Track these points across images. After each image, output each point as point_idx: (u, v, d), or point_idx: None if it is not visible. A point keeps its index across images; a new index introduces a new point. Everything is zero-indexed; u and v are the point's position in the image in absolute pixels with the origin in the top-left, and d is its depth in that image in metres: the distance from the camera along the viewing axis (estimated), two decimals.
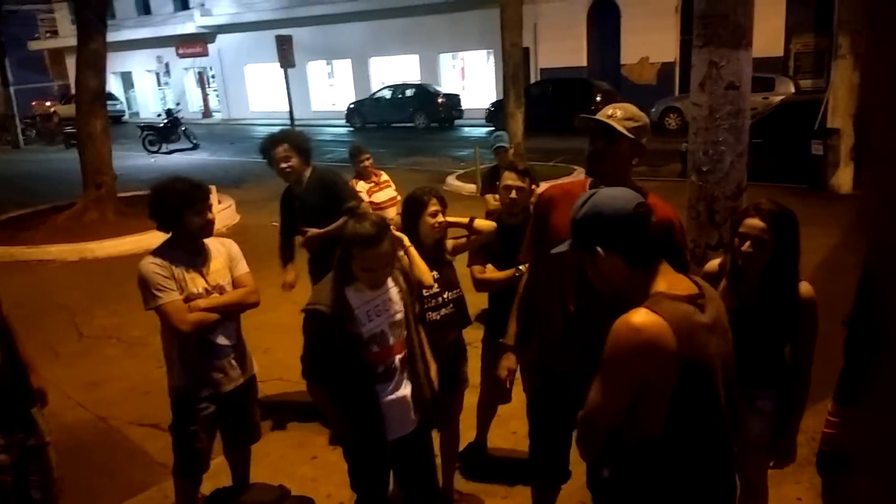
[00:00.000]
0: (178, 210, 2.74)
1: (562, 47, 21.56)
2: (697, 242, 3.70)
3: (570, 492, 2.82)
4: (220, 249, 2.93)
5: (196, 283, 2.78)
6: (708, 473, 1.67)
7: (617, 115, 2.30)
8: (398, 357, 2.48)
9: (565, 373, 2.49)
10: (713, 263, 2.62)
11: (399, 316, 2.48)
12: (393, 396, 2.47)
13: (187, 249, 2.81)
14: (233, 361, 2.92)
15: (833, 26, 9.52)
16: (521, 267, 2.97)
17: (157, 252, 2.77)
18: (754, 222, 2.33)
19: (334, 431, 2.55)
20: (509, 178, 3.28)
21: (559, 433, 2.62)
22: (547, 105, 17.64)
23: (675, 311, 1.54)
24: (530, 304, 2.64)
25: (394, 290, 2.49)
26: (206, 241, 2.88)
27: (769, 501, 2.76)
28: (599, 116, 2.31)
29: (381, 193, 5.37)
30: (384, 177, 5.53)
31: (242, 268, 2.98)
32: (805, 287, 2.40)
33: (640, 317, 1.53)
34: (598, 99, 17.90)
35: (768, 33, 15.76)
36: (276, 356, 4.16)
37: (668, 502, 1.66)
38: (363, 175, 5.35)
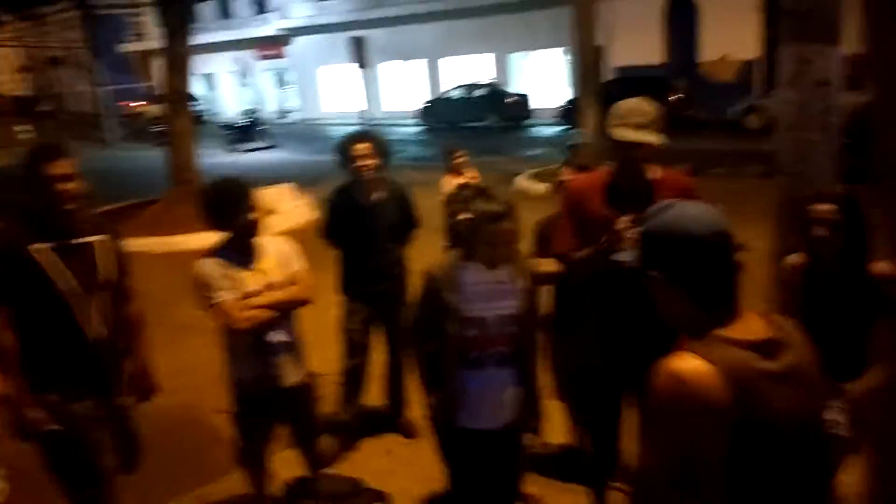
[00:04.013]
0: (223, 209, 2.79)
1: (637, 45, 21.08)
2: (785, 244, 3.58)
3: None
4: (276, 248, 2.95)
5: (250, 281, 2.80)
6: None
7: (643, 122, 2.42)
8: (498, 350, 2.48)
9: (627, 356, 2.57)
10: (794, 257, 2.58)
11: (510, 311, 2.48)
12: (481, 386, 2.48)
13: (239, 248, 2.83)
14: (289, 358, 2.95)
15: None
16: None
17: (211, 252, 2.82)
18: (824, 206, 2.40)
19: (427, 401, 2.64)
20: (567, 174, 3.35)
21: (614, 419, 2.75)
22: None
23: (729, 358, 1.30)
24: (582, 291, 2.73)
25: (511, 285, 2.50)
26: (261, 239, 2.90)
27: None
28: (632, 131, 2.41)
29: None
30: (473, 174, 5.55)
31: (298, 265, 2.97)
32: (882, 265, 2.39)
33: (686, 363, 1.30)
34: (674, 98, 17.45)
35: (861, 30, 14.97)
36: (336, 354, 4.22)
37: None
38: (456, 171, 5.37)
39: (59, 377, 2.50)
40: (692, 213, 1.40)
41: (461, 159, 5.43)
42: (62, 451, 2.54)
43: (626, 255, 1.60)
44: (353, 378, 3.87)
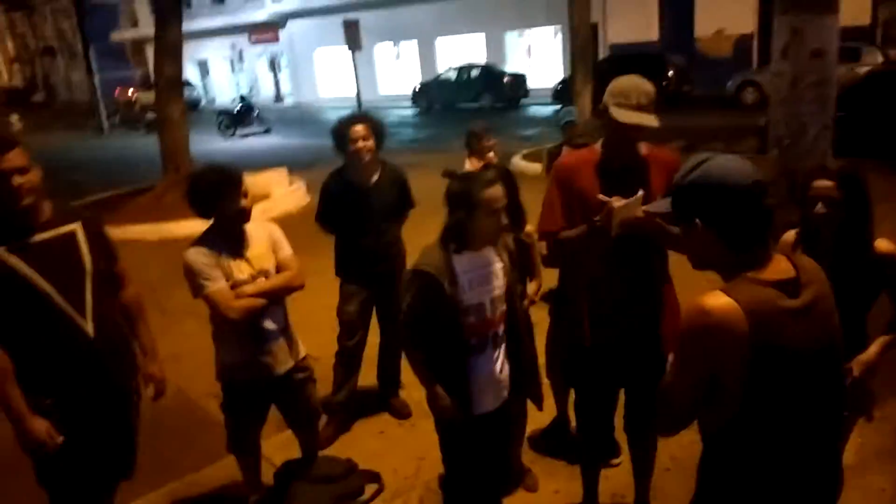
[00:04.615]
0: (212, 198, 2.72)
1: (632, 22, 20.91)
2: (780, 219, 3.55)
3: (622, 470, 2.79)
4: (263, 234, 2.91)
5: (241, 270, 2.78)
6: (792, 465, 1.58)
7: (643, 102, 2.38)
8: (494, 331, 2.49)
9: (615, 333, 2.58)
10: (790, 234, 2.55)
11: (500, 291, 2.48)
12: (485, 370, 2.48)
13: (228, 236, 2.79)
14: (282, 345, 2.93)
15: None
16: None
17: (199, 241, 2.77)
18: (823, 183, 2.33)
19: (428, 400, 2.56)
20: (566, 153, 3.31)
21: (606, 398, 2.75)
22: None
23: (753, 296, 1.47)
24: (571, 270, 2.72)
25: (497, 265, 2.49)
26: (248, 226, 2.85)
27: (851, 490, 2.65)
28: (633, 112, 2.37)
29: None
30: (495, 157, 5.41)
31: (286, 251, 2.94)
32: (884, 243, 2.35)
33: (713, 299, 1.47)
34: (671, 74, 17.31)
35: (854, 1, 14.85)
36: (329, 337, 4.23)
37: (749, 491, 1.59)
38: (481, 156, 5.08)
39: (56, 383, 2.36)
40: (732, 165, 1.52)
41: (490, 142, 5.26)
42: (58, 462, 2.40)
43: (657, 206, 1.68)
44: (349, 360, 3.86)
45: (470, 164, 5.12)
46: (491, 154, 5.26)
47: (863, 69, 12.94)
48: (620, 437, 2.99)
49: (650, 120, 2.38)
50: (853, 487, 2.71)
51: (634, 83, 2.42)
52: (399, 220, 3.91)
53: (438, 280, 2.34)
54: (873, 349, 2.40)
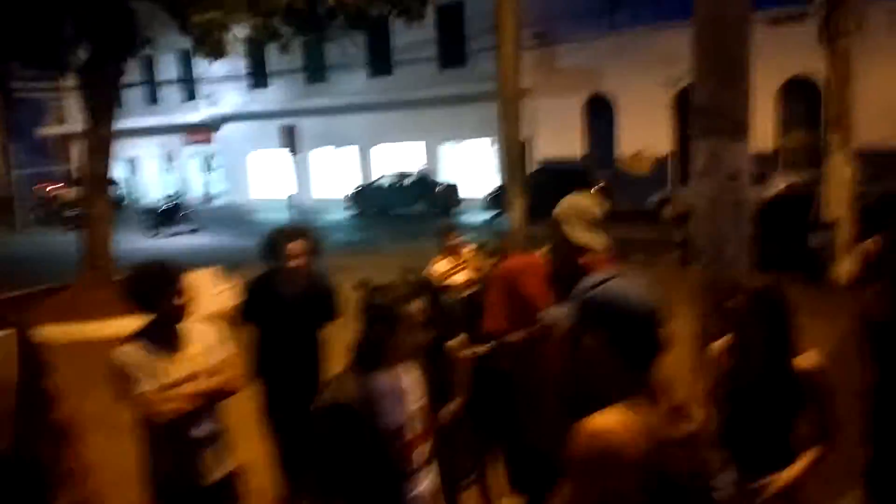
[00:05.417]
0: (150, 294, 2.66)
1: (559, 139, 22.20)
2: (705, 331, 3.66)
3: None
4: (200, 333, 2.81)
5: (173, 371, 2.65)
6: None
7: (594, 222, 2.52)
8: (421, 449, 2.29)
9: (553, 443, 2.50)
10: (719, 343, 2.62)
11: (419, 403, 2.31)
12: (416, 493, 2.27)
13: (163, 335, 2.69)
14: (213, 452, 2.78)
15: (822, 122, 9.85)
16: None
17: (131, 339, 2.66)
18: (738, 302, 2.43)
19: None
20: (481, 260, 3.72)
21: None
22: (547, 194, 17.88)
23: (646, 420, 1.46)
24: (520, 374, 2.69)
25: (412, 375, 2.32)
26: (186, 324, 2.76)
27: None
28: (586, 233, 2.49)
29: (460, 275, 4.93)
30: (470, 253, 5.20)
31: (225, 351, 2.84)
32: (807, 358, 2.40)
33: (606, 421, 1.45)
34: (597, 189, 18.20)
35: (761, 129, 16.24)
36: (260, 446, 4.00)
37: None
38: (451, 251, 5.13)
39: None
40: (635, 290, 1.56)
41: (458, 240, 5.26)
42: None
43: (559, 314, 1.68)
44: (293, 462, 3.66)
45: (437, 263, 5.10)
46: (465, 250, 5.26)
47: (770, 191, 13.98)
48: None
49: (599, 241, 2.49)
50: None
51: (587, 204, 2.56)
52: (320, 329, 3.82)
53: (359, 412, 2.12)
54: (790, 472, 2.37)
